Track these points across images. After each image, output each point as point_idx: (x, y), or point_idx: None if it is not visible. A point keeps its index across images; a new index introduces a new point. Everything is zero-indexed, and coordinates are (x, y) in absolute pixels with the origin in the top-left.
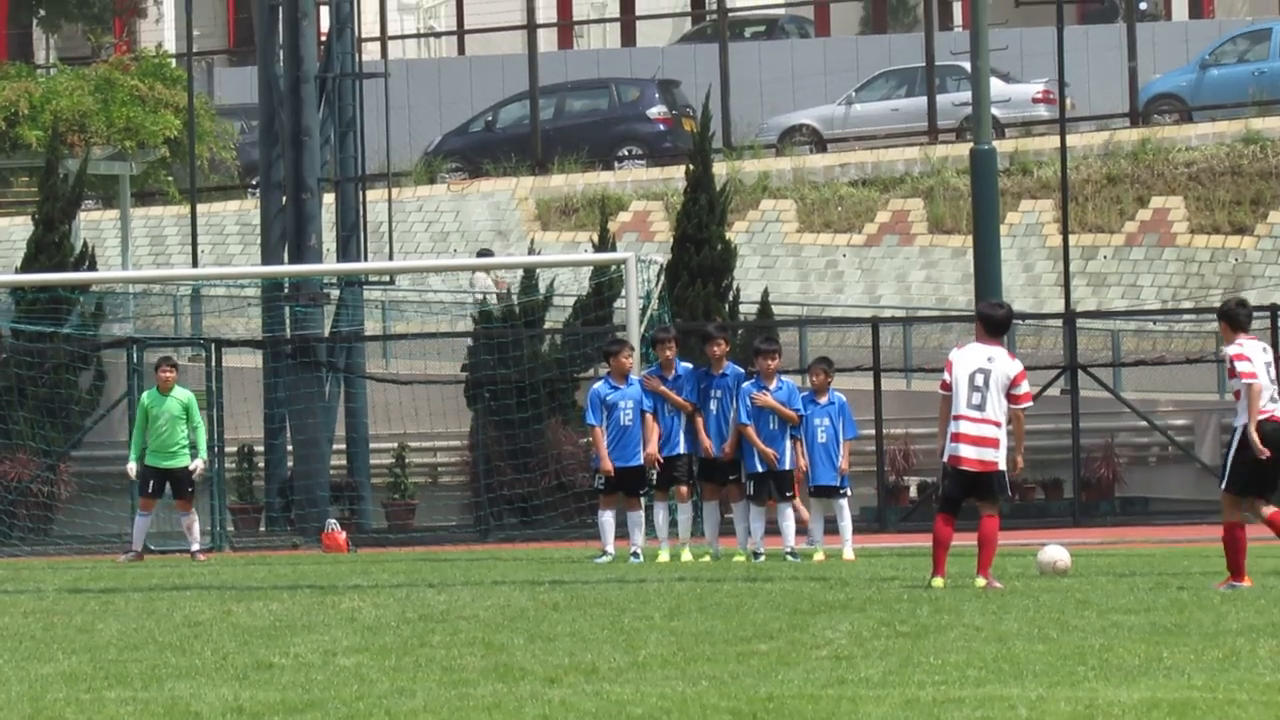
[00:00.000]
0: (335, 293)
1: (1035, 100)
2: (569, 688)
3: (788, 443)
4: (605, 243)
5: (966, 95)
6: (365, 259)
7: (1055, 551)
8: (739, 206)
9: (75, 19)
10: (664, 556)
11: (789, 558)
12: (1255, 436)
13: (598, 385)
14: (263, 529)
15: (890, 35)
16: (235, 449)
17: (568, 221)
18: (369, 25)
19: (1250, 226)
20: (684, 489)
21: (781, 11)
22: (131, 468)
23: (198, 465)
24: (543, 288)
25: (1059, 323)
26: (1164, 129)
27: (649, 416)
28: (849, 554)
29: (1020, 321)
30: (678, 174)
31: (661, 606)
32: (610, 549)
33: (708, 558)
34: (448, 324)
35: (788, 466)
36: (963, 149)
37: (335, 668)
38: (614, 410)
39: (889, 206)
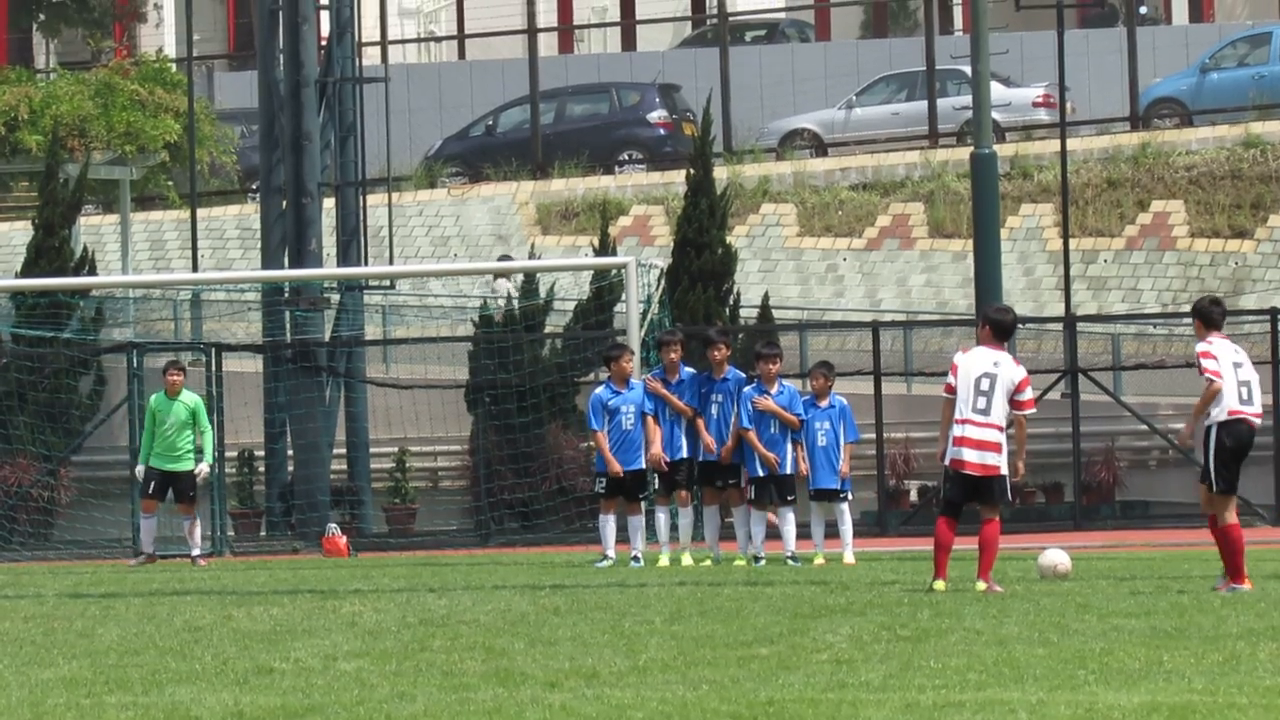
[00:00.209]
0: (335, 297)
1: (1036, 104)
2: (569, 692)
3: (789, 447)
4: (605, 247)
5: (967, 99)
6: (365, 264)
7: (1056, 555)
8: (739, 211)
9: (75, 23)
10: (664, 561)
11: (789, 562)
12: (1188, 428)
13: (599, 390)
14: (263, 533)
15: (890, 39)
16: (236, 453)
17: (568, 226)
18: (369, 30)
19: (1250, 230)
20: (684, 493)
21: (782, 15)
22: (140, 470)
23: (203, 469)
24: (543, 292)
25: (1059, 326)
26: (1164, 133)
27: (650, 419)
28: (849, 558)
29: (1021, 325)
30: (678, 178)
31: (662, 611)
32: (611, 553)
33: (708, 562)
34: (448, 328)
35: (789, 471)
36: (963, 153)
37: (336, 672)
38: (615, 415)
39: (889, 210)
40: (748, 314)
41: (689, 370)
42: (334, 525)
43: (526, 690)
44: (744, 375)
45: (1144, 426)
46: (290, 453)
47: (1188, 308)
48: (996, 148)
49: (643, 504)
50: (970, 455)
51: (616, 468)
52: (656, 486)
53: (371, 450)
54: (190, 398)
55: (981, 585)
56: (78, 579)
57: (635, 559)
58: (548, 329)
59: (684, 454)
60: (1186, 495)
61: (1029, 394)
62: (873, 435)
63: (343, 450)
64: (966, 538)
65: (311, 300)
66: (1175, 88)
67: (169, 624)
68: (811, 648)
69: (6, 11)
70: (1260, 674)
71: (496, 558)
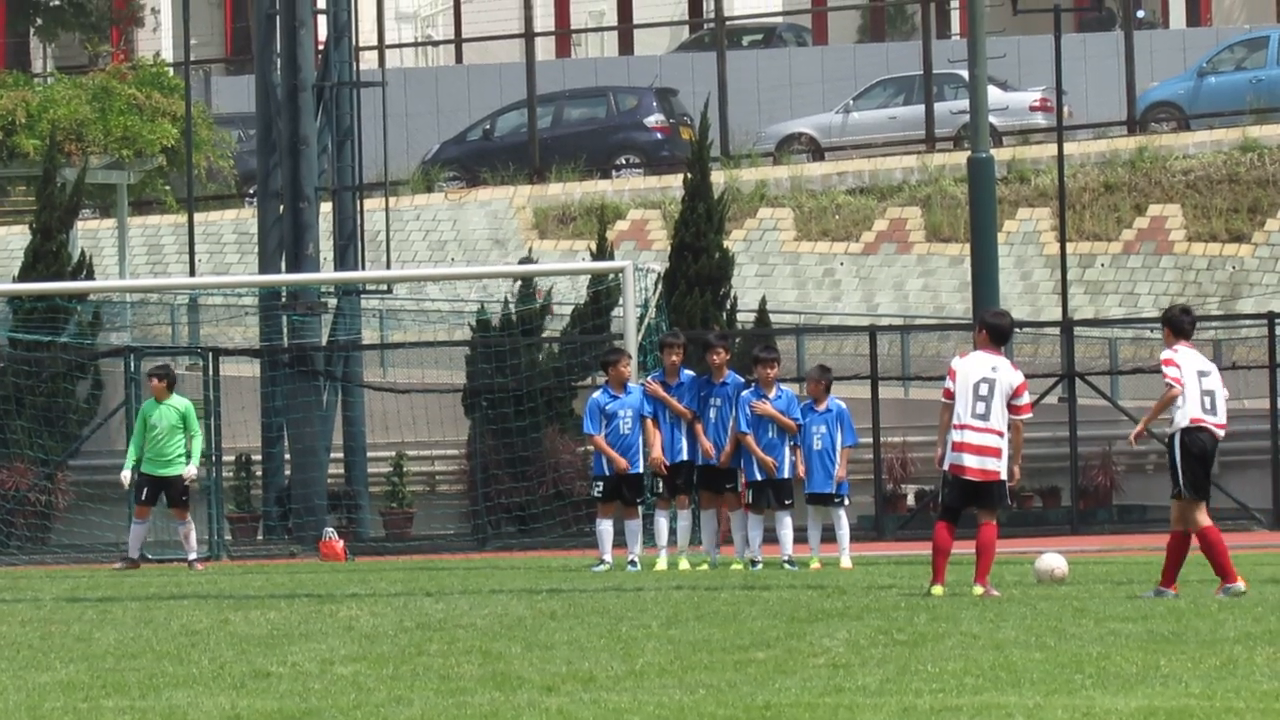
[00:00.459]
0: (333, 301)
1: (1033, 108)
2: (566, 696)
3: (786, 451)
4: (603, 251)
5: (964, 103)
6: (363, 268)
7: (1052, 559)
8: (737, 215)
9: (72, 28)
10: (662, 565)
11: (786, 566)
12: (1138, 429)
13: (596, 394)
14: (260, 538)
15: (888, 43)
16: (233, 458)
17: (565, 230)
18: (366, 34)
19: (1248, 234)
20: (683, 497)
21: (779, 20)
22: (125, 475)
23: (189, 472)
24: (540, 296)
25: (1056, 331)
26: (1161, 137)
27: (649, 422)
28: (846, 562)
29: (1018, 329)
30: (675, 182)
31: (659, 615)
32: (608, 557)
33: (705, 566)
34: (445, 333)
35: (786, 475)
36: (960, 157)
37: (333, 676)
38: (613, 419)
39: (886, 215)
40: (745, 318)
41: (688, 373)
42: (331, 529)
43: (523, 694)
44: (742, 379)
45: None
46: (287, 457)
47: None
48: (993, 152)
49: (640, 508)
50: (970, 461)
51: (622, 462)
52: (659, 490)
53: (369, 454)
54: (180, 402)
55: (978, 589)
56: (75, 583)
57: (632, 563)
58: (545, 333)
59: (684, 457)
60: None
61: (1026, 399)
62: (870, 439)
63: (340, 455)
64: (965, 541)
65: (309, 305)
66: (1172, 92)
67: (166, 628)
68: (808, 652)
69: (4, 15)
70: (1257, 678)
71: (493, 562)
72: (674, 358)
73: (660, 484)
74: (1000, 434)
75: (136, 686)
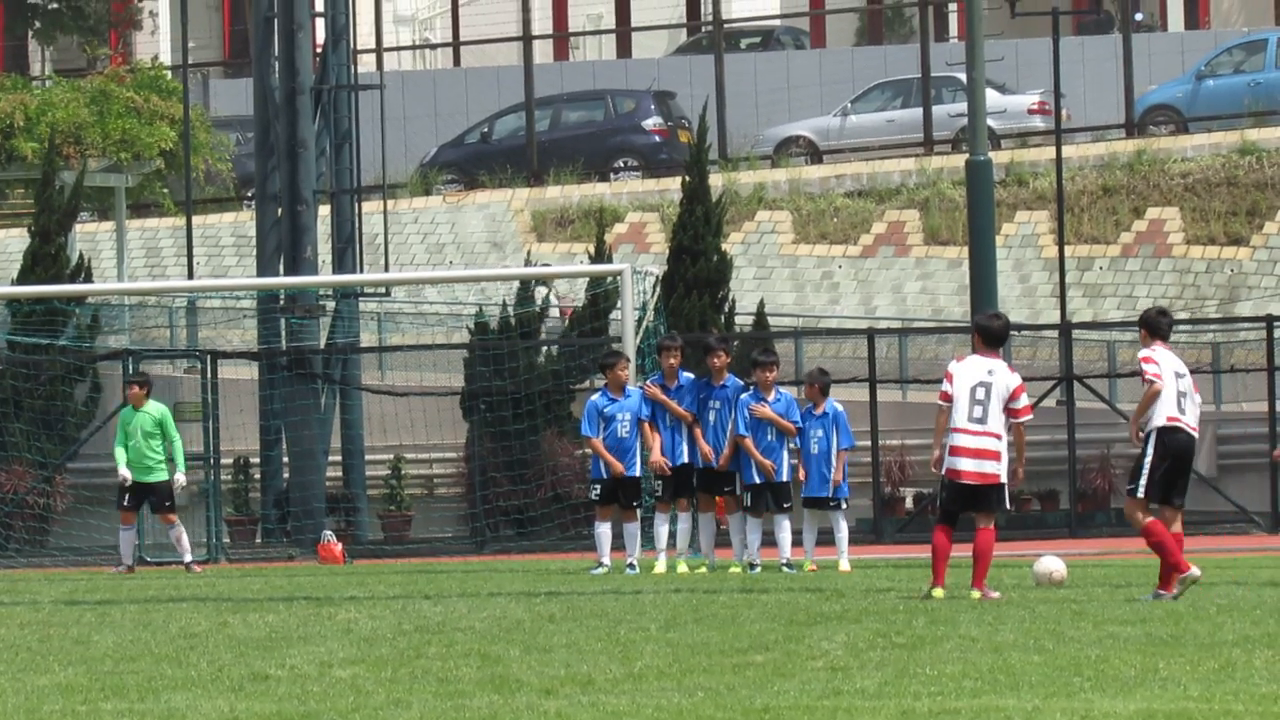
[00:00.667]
0: (331, 304)
1: (1031, 111)
2: (565, 699)
3: (785, 454)
4: (601, 254)
5: (962, 106)
6: (361, 271)
7: (1051, 562)
8: (735, 218)
9: (71, 31)
10: (660, 568)
11: (785, 569)
12: (1133, 429)
13: (595, 397)
14: (259, 540)
15: (886, 46)
16: (231, 460)
17: (563, 233)
18: (364, 37)
19: (1246, 237)
20: (683, 500)
21: (777, 23)
22: (124, 473)
23: (179, 479)
24: (539, 299)
25: (1055, 334)
26: (1160, 140)
27: (647, 425)
28: (845, 565)
29: (1016, 332)
30: (674, 185)
31: (657, 618)
32: (606, 560)
33: (704, 569)
34: (443, 336)
35: (785, 478)
36: (958, 160)
37: (331, 679)
38: (611, 422)
39: (885, 218)
40: (743, 321)
41: (687, 376)
42: (329, 532)
43: (522, 697)
44: (742, 382)
45: None
46: (285, 460)
47: (1183, 315)
48: (992, 155)
49: (638, 511)
50: (967, 464)
51: (618, 467)
52: (659, 493)
53: (367, 457)
54: (156, 408)
55: (976, 594)
56: (73, 586)
57: (631, 566)
58: (543, 336)
59: (684, 460)
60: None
61: (1024, 401)
62: (868, 443)
63: (338, 457)
64: (964, 544)
65: (307, 307)
66: (1171, 94)
67: (164, 631)
68: (807, 655)
69: (2, 19)
70: (1256, 681)
71: (492, 565)
72: (671, 360)
73: (661, 487)
74: (998, 437)
75: (135, 689)
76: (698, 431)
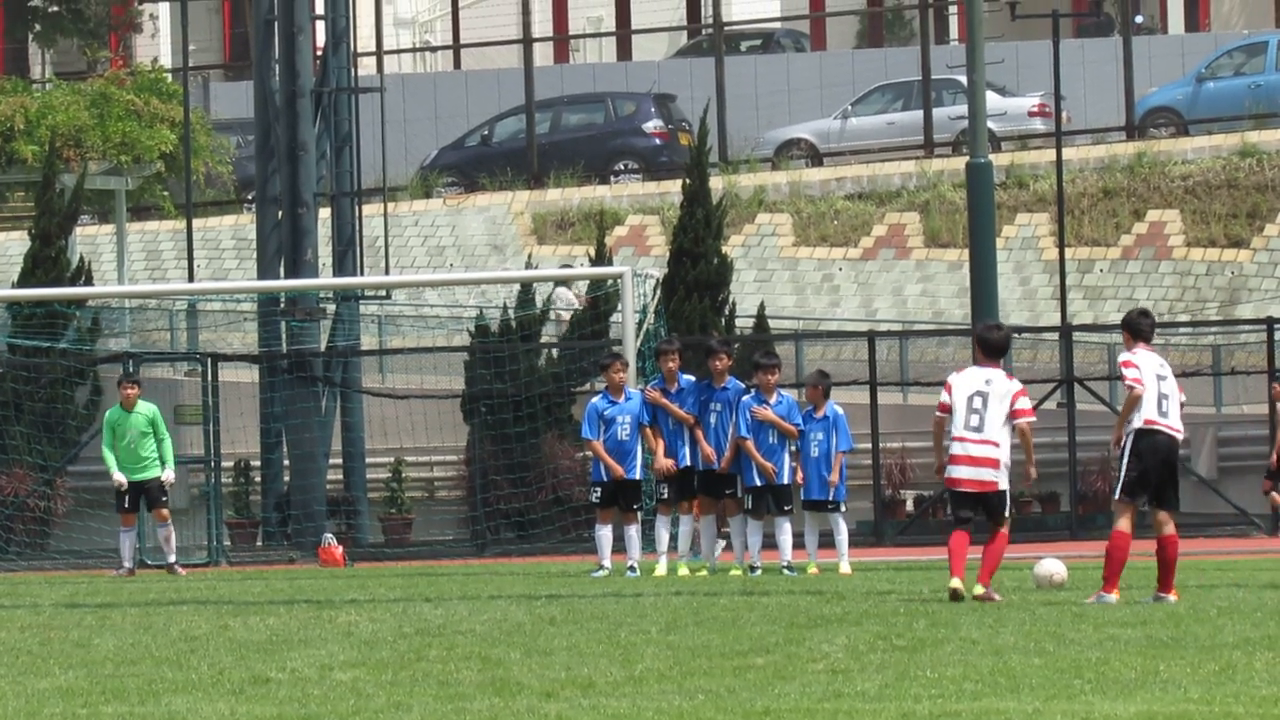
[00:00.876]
0: (331, 307)
1: (1031, 114)
2: (565, 702)
3: (786, 457)
4: (601, 257)
5: (962, 109)
6: (361, 274)
7: (1052, 565)
8: (735, 220)
9: (71, 34)
10: (661, 570)
11: (785, 571)
12: (1115, 437)
13: (595, 400)
14: (259, 543)
15: (886, 49)
16: (232, 464)
17: (564, 236)
18: (365, 40)
19: (1246, 239)
20: (684, 503)
21: (777, 25)
22: (118, 476)
23: (168, 476)
24: (539, 302)
25: (1055, 336)
26: (1160, 142)
27: (648, 429)
28: (845, 567)
29: (1017, 335)
30: (674, 188)
31: (658, 620)
32: (607, 563)
33: (704, 571)
34: (444, 338)
35: (786, 481)
36: (959, 162)
37: (332, 682)
38: (611, 425)
39: (885, 220)
40: (743, 324)
41: (688, 378)
42: (330, 535)
43: (522, 700)
44: (743, 385)
45: None
46: (286, 463)
47: (1184, 317)
48: (992, 157)
49: (638, 514)
50: (965, 473)
51: (618, 470)
52: (664, 495)
53: (367, 460)
54: (147, 408)
55: (980, 589)
56: (74, 589)
57: (631, 569)
58: (543, 339)
59: (686, 462)
60: (1181, 504)
61: (1025, 403)
62: (869, 445)
63: (339, 460)
64: (976, 546)
65: (307, 310)
66: (1171, 97)
67: (165, 634)
68: (807, 657)
69: (2, 22)
70: (1256, 683)
71: (492, 568)
72: (670, 364)
73: (665, 489)
74: (996, 445)
75: (136, 692)
76: (699, 433)
